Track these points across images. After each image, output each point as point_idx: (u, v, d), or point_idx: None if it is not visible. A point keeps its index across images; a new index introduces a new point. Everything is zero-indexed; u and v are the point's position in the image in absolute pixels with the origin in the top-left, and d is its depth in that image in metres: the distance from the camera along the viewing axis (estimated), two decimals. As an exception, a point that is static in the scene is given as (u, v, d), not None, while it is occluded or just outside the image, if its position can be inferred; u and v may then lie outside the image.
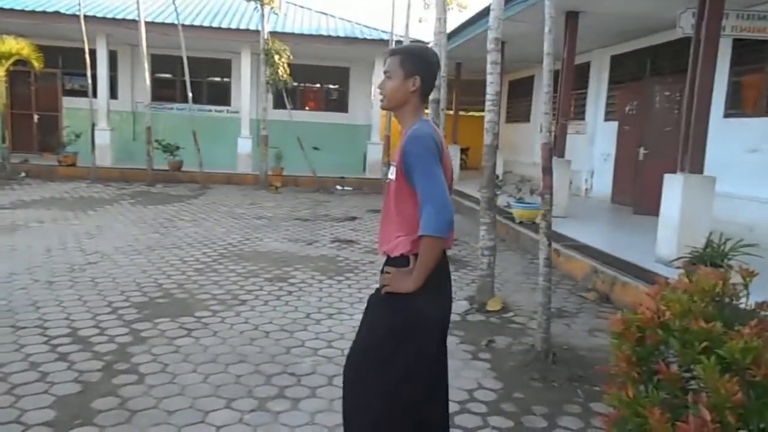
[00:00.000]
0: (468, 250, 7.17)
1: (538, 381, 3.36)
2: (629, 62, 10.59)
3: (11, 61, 11.39)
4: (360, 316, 4.38)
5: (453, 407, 3.00)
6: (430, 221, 1.82)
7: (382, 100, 2.07)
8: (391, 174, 1.99)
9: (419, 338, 1.95)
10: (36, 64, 11.72)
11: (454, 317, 4.50)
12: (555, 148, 8.79)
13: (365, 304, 2.16)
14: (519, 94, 16.25)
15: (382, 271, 2.07)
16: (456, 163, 14.60)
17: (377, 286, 2.08)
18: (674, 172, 6.13)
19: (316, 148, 13.97)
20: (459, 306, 4.76)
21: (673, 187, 5.43)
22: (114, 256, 5.96)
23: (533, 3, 8.02)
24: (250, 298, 4.78)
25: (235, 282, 5.22)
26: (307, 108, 16.29)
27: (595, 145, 11.50)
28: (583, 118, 12.03)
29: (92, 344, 3.63)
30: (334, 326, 4.19)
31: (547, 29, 3.53)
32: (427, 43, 14.01)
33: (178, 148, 13.00)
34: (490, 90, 4.58)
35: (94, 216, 8.24)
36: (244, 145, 14.04)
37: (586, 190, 11.70)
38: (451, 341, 3.99)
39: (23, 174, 12.14)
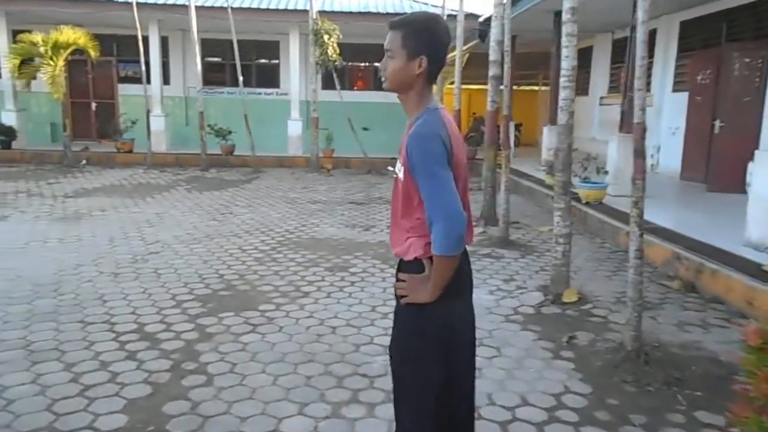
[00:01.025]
0: (532, 234, 6.84)
1: (631, 384, 3.08)
2: (701, 28, 9.83)
3: (69, 50, 11.58)
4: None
5: (540, 415, 2.80)
6: (439, 240, 1.64)
7: (383, 81, 1.80)
8: (399, 171, 1.79)
9: (445, 344, 1.81)
10: (92, 53, 11.89)
11: (527, 309, 4.28)
12: (623, 123, 8.30)
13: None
14: (577, 66, 15.48)
15: (397, 278, 1.90)
16: (510, 140, 14.08)
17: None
18: (756, 145, 5.60)
19: (365, 129, 13.74)
20: (532, 297, 4.48)
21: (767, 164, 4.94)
22: (174, 245, 5.95)
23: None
24: (313, 289, 4.65)
25: (296, 272, 5.11)
26: (355, 87, 16.05)
27: (662, 118, 10.81)
28: (648, 90, 11.31)
29: (159, 341, 3.57)
30: (401, 320, 4.00)
31: (642, -5, 3.15)
32: (479, 17, 13.46)
33: (230, 132, 13.04)
34: (566, 64, 4.22)
35: (153, 203, 8.32)
36: (294, 127, 13.97)
37: (652, 165, 11.05)
38: (528, 337, 3.76)
39: (84, 162, 12.46)
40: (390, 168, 12.94)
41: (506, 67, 6.20)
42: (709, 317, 4.11)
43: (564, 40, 4.21)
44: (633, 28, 8.09)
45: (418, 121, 1.72)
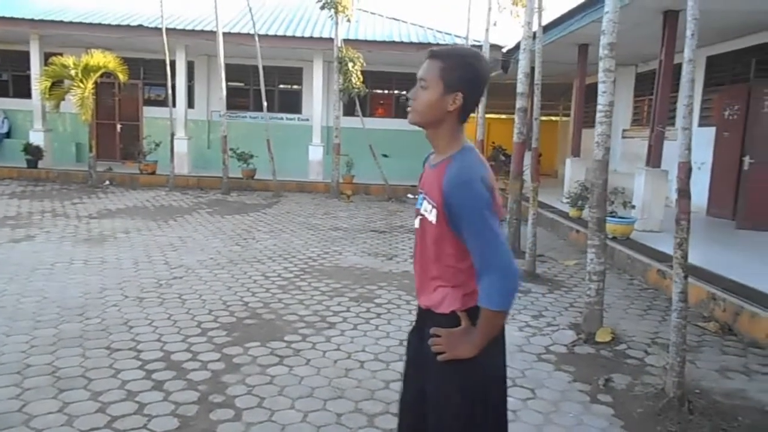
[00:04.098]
0: (558, 268, 6.73)
1: (676, 435, 2.95)
2: (729, 63, 9.78)
3: (99, 74, 11.81)
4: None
5: (583, 465, 2.66)
6: (493, 294, 1.53)
7: (409, 112, 1.67)
8: (427, 212, 1.65)
9: (492, 399, 1.70)
10: (121, 76, 12.11)
11: (559, 348, 4.16)
12: (650, 157, 8.20)
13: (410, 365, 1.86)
14: (595, 98, 15.48)
15: (420, 328, 1.77)
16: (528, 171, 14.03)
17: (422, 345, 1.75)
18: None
19: (385, 155, 13.78)
20: (564, 336, 4.37)
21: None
22: (198, 270, 5.92)
23: (626, 3, 7.47)
24: (338, 320, 4.57)
25: (320, 302, 5.04)
26: (377, 114, 16.16)
27: (688, 153, 10.67)
28: (672, 124, 11.22)
29: (186, 371, 3.50)
30: (430, 356, 3.91)
31: (689, 33, 3.10)
32: (502, 48, 13.53)
33: (252, 156, 13.13)
34: (603, 100, 4.18)
35: (175, 226, 8.33)
36: (315, 152, 14.04)
37: (676, 200, 10.90)
38: (562, 378, 3.65)
39: (108, 182, 12.60)
40: (410, 195, 12.92)
41: (536, 99, 6.17)
42: (751, 363, 3.96)
43: (601, 75, 4.17)
44: (660, 63, 8.06)
45: (457, 163, 1.59)
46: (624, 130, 13.85)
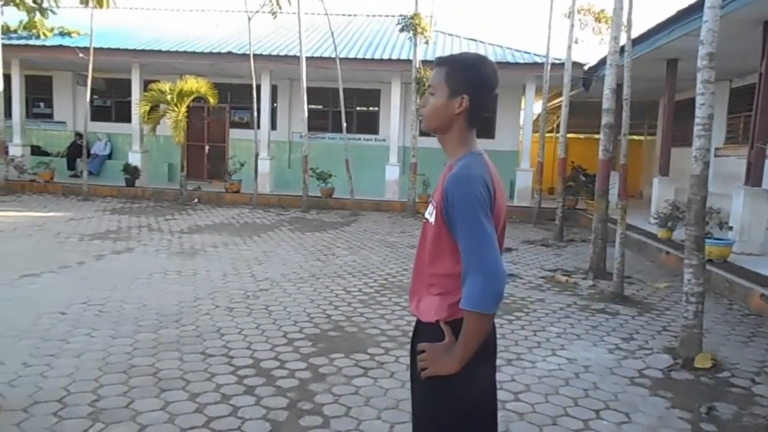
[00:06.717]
0: (647, 291, 6.42)
1: (793, 470, 2.71)
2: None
3: (191, 98, 12.60)
4: (543, 365, 3.94)
5: (687, 495, 2.50)
6: (474, 294, 1.46)
7: (421, 120, 1.72)
8: (430, 214, 1.64)
9: (480, 417, 1.61)
10: (212, 100, 12.85)
11: (654, 372, 3.95)
12: (750, 176, 7.70)
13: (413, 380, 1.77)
14: (686, 117, 14.72)
15: (413, 341, 1.74)
16: (614, 190, 13.49)
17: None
18: None
19: (462, 175, 13.70)
20: (658, 360, 4.14)
21: None
22: (282, 283, 6.11)
23: (724, 14, 7.12)
24: (420, 335, 4.57)
25: (402, 317, 5.06)
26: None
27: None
28: (771, 141, 10.48)
29: (275, 378, 3.62)
30: (516, 375, 3.84)
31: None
32: (583, 65, 13.22)
33: (330, 176, 13.47)
34: (701, 113, 3.99)
35: (260, 242, 8.66)
36: (392, 172, 14.20)
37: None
38: (659, 404, 3.45)
39: (196, 200, 13.32)
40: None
41: (624, 115, 5.98)
42: None
43: (699, 87, 3.98)
44: (761, 76, 7.59)
45: (459, 163, 1.61)
46: (717, 149, 13.07)
